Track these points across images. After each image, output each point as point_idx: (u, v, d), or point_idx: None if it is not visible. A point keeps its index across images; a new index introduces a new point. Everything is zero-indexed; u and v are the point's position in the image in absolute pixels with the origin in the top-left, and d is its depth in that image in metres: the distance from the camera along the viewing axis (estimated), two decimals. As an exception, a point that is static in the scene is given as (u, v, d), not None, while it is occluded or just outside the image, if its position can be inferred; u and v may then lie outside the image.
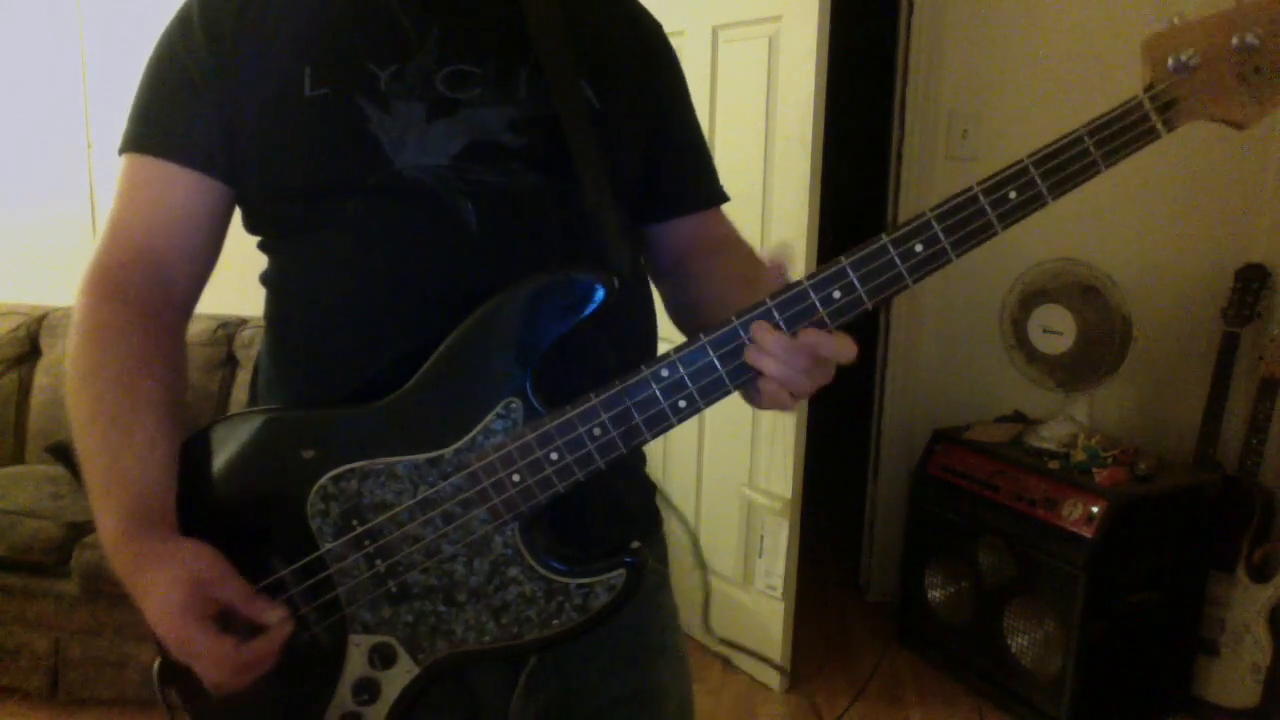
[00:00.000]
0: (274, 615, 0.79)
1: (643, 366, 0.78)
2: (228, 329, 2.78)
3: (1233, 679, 2.32)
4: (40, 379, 2.86)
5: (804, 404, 2.41)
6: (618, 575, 0.81)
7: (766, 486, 2.52)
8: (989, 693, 2.49)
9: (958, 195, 0.76)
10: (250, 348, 2.76)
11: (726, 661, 2.68)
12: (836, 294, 0.76)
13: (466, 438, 0.80)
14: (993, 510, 2.42)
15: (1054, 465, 2.36)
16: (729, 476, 2.63)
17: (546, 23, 0.88)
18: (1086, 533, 2.20)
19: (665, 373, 0.78)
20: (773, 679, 2.56)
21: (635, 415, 0.78)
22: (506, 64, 0.86)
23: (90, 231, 3.06)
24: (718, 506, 2.70)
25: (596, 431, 0.79)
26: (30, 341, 2.89)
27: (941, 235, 0.75)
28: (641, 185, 0.97)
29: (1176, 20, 0.76)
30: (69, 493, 2.50)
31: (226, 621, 0.79)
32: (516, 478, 0.79)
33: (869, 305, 0.77)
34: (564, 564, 0.82)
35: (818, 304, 0.77)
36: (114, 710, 2.38)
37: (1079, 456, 2.35)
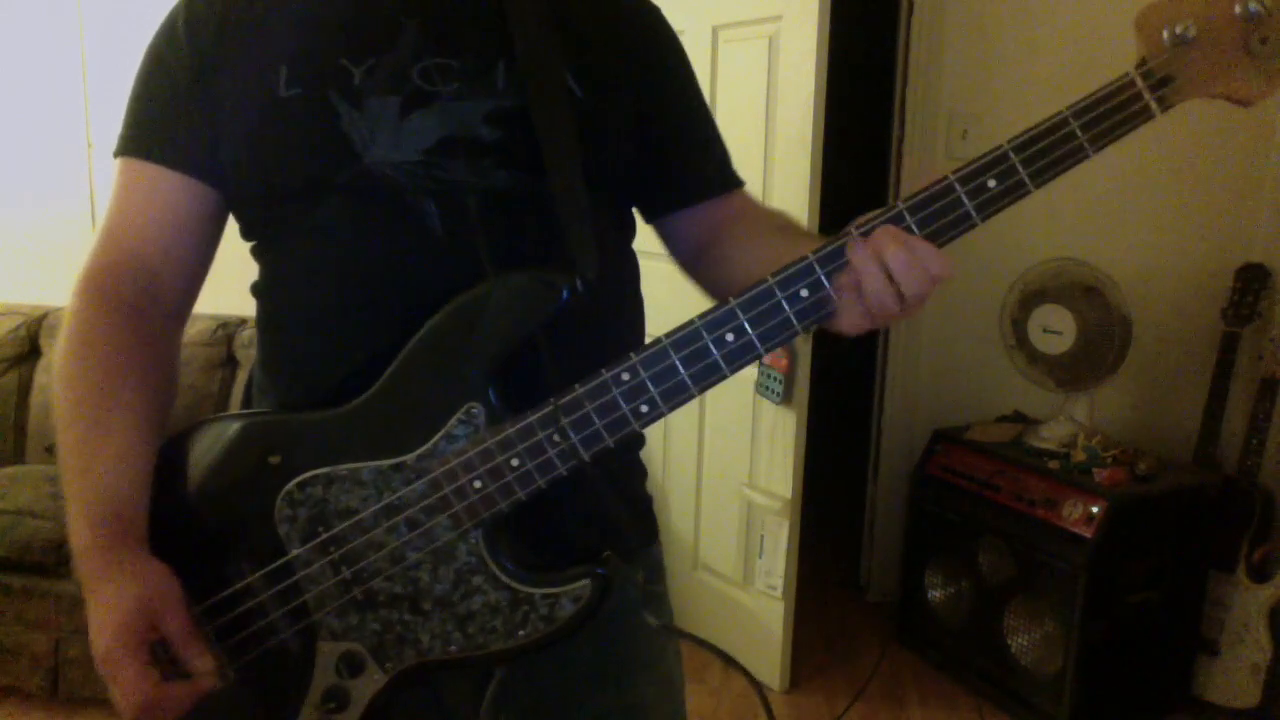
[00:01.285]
0: (204, 664, 0.77)
1: (603, 370, 0.76)
2: (228, 329, 2.78)
3: (1233, 679, 2.32)
4: (40, 379, 2.86)
5: (804, 404, 2.41)
6: (583, 586, 0.79)
7: (766, 486, 2.52)
8: (989, 693, 2.49)
9: (932, 185, 0.72)
10: (250, 348, 2.76)
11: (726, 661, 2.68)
12: (804, 292, 0.74)
13: (429, 443, 0.79)
14: (993, 510, 2.42)
15: (1054, 465, 2.36)
16: (729, 476, 2.63)
17: (528, 12, 0.86)
18: (1086, 533, 2.20)
19: (626, 376, 0.76)
20: (773, 679, 2.56)
21: (595, 420, 0.76)
22: (485, 56, 0.85)
23: (90, 231, 3.05)
24: (718, 506, 2.70)
25: (556, 438, 0.77)
26: (30, 341, 2.89)
27: (915, 228, 0.72)
28: (643, 176, 0.95)
29: None
30: (69, 493, 2.49)
31: (159, 654, 0.77)
32: (478, 484, 0.78)
33: (836, 305, 0.74)
34: (529, 573, 0.80)
35: (784, 303, 0.74)
36: (114, 710, 2.37)
37: (1079, 456, 2.35)
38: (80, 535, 0.79)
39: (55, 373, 0.85)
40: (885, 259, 0.72)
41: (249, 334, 2.78)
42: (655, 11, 0.99)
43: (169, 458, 0.85)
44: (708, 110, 1.02)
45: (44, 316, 2.92)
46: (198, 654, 0.77)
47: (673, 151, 0.97)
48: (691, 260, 1.02)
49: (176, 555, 0.81)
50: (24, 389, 2.86)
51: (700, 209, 0.99)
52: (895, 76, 2.89)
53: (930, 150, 2.83)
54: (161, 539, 0.81)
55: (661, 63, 0.97)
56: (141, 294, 0.88)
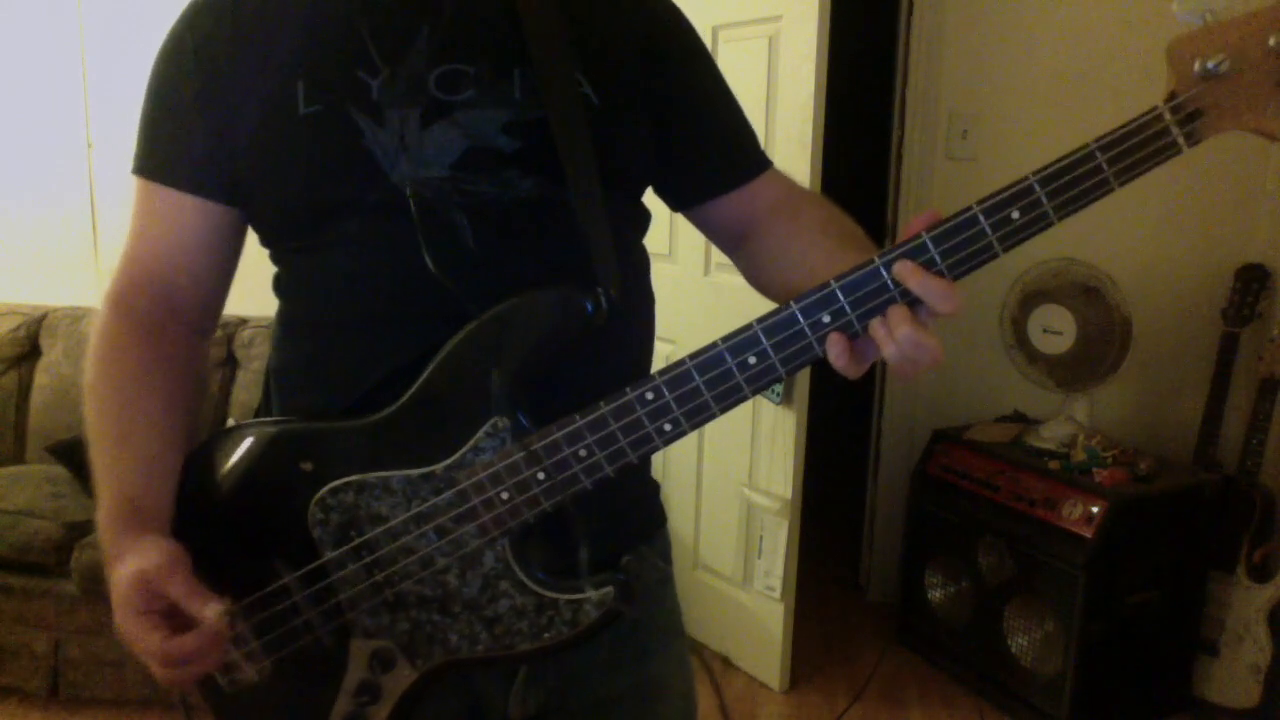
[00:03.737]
0: (209, 612, 0.78)
1: (628, 389, 0.77)
2: (228, 329, 2.78)
3: (1233, 679, 2.32)
4: (40, 379, 2.86)
5: (804, 404, 2.41)
6: (607, 593, 0.81)
7: (766, 486, 2.52)
8: (989, 693, 2.49)
9: (956, 215, 0.72)
10: (250, 347, 2.76)
11: (727, 661, 2.68)
12: (826, 318, 0.74)
13: (456, 455, 0.80)
14: (993, 510, 2.42)
15: (1054, 465, 2.36)
16: (729, 476, 2.63)
17: (541, 16, 0.85)
18: (1086, 533, 2.20)
19: (650, 395, 0.77)
20: (772, 679, 2.56)
21: (620, 438, 0.78)
22: (500, 62, 0.84)
23: (90, 231, 3.06)
24: (718, 506, 2.70)
25: (582, 453, 0.78)
26: (30, 341, 2.89)
27: (938, 259, 0.72)
28: (667, 172, 0.95)
29: (1208, 18, 0.68)
30: (69, 493, 2.50)
31: (174, 618, 0.79)
32: (505, 495, 0.80)
33: (859, 330, 0.74)
34: (554, 579, 0.82)
35: (807, 330, 0.75)
36: (114, 710, 2.38)
37: (1079, 456, 2.35)
38: (99, 527, 0.84)
39: (84, 385, 0.89)
40: (898, 338, 0.73)
41: (249, 334, 2.78)
42: (669, 6, 0.97)
43: (205, 461, 0.87)
44: (728, 94, 1.00)
45: (44, 316, 2.92)
46: (199, 605, 0.78)
47: (696, 145, 0.96)
48: (732, 248, 1.02)
49: (216, 554, 0.84)
50: (24, 389, 2.86)
51: (731, 197, 0.98)
52: (895, 76, 2.89)
53: (930, 150, 2.83)
54: (200, 539, 0.84)
55: (677, 56, 0.96)
56: (161, 310, 0.91)
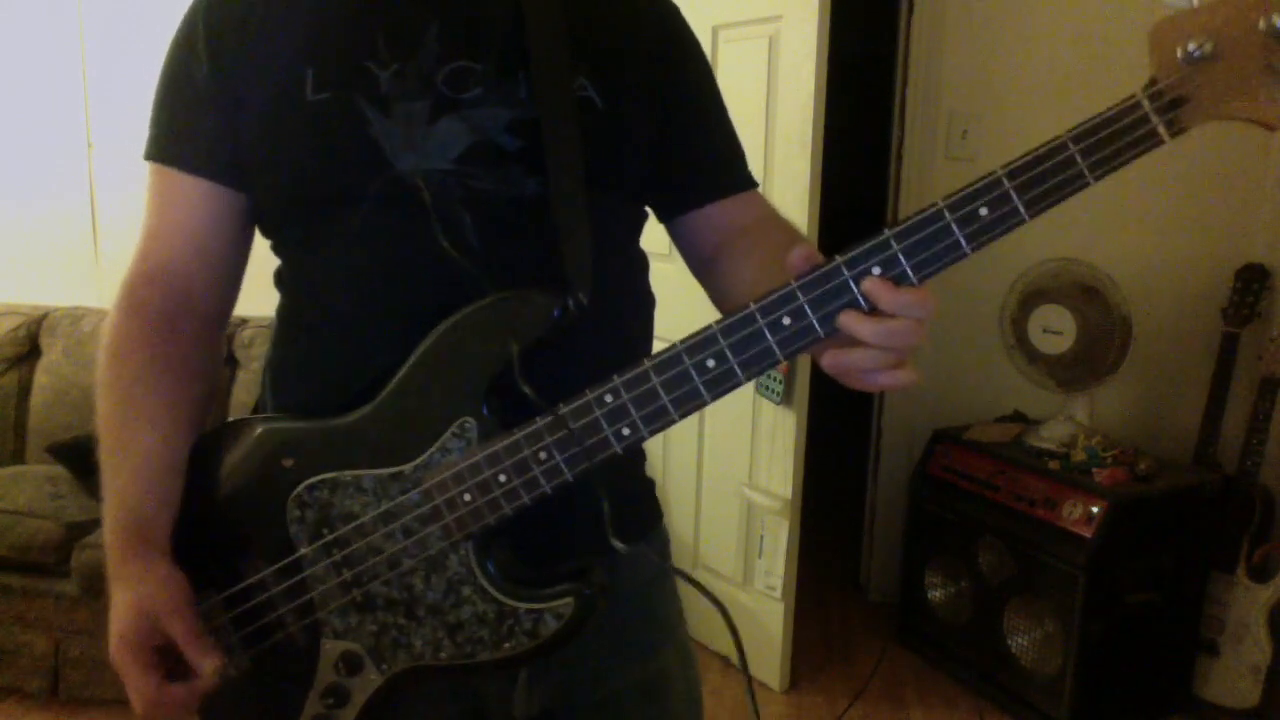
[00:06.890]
0: (208, 664, 0.80)
1: (587, 390, 0.76)
2: (229, 329, 2.78)
3: (1233, 679, 2.32)
4: (40, 379, 2.86)
5: (804, 404, 2.41)
6: (566, 604, 0.80)
7: (766, 486, 2.52)
8: (989, 693, 2.49)
9: (920, 212, 0.69)
10: (250, 348, 2.76)
11: (727, 661, 2.68)
12: (787, 320, 0.72)
13: (424, 455, 0.80)
14: (993, 510, 2.43)
15: (1054, 465, 2.36)
16: (729, 476, 2.63)
17: (544, 16, 0.86)
18: (1086, 533, 2.20)
19: (609, 398, 0.75)
20: (772, 679, 2.56)
21: (578, 441, 0.77)
22: (507, 61, 0.85)
23: (90, 231, 3.06)
24: (717, 506, 2.70)
25: (542, 455, 0.77)
26: (30, 341, 2.89)
27: (902, 258, 0.69)
28: (658, 178, 0.95)
29: (1195, 2, 0.63)
30: (69, 493, 2.50)
31: (168, 655, 0.81)
32: (467, 497, 0.79)
33: (821, 334, 0.72)
34: (516, 587, 0.81)
35: (765, 331, 0.72)
36: (114, 710, 2.38)
37: (1079, 456, 2.35)
38: (106, 539, 0.84)
39: (95, 381, 0.89)
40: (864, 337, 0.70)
41: (249, 334, 2.78)
42: (675, 12, 0.98)
43: (199, 455, 0.89)
44: (724, 110, 1.01)
45: (44, 316, 2.92)
46: (200, 654, 0.80)
47: (687, 154, 0.96)
48: (701, 267, 1.02)
49: (200, 548, 0.86)
50: (24, 389, 2.86)
51: (711, 210, 0.99)
52: (895, 76, 2.89)
53: (930, 150, 2.83)
54: (187, 532, 0.86)
55: (680, 65, 0.97)
56: (173, 303, 0.90)
